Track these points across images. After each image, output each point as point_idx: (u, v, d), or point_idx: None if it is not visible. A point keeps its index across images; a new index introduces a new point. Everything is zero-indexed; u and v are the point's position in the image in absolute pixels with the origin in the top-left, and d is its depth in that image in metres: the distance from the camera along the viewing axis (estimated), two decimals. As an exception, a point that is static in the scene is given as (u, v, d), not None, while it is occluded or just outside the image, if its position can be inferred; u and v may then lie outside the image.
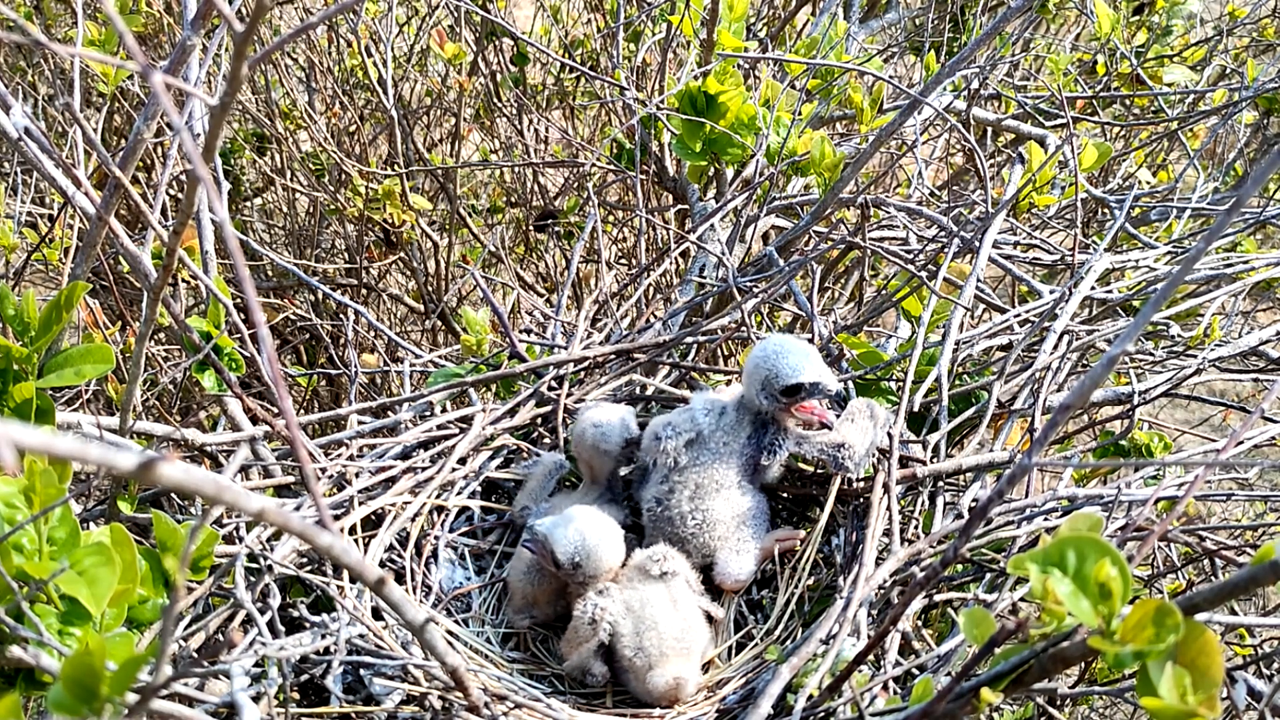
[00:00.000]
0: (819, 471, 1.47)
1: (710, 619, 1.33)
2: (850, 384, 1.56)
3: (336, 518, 1.35)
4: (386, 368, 2.16)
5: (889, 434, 1.37)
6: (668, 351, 1.65)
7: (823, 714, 1.06)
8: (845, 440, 1.37)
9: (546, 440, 1.60)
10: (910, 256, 1.69)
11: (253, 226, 3.51)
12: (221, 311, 1.31)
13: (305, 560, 1.27)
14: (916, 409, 1.46)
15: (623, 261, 3.34)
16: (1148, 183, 2.42)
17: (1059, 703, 1.24)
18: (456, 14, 2.94)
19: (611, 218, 3.22)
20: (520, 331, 1.77)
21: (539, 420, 1.60)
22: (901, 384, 1.46)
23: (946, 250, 1.64)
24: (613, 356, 1.65)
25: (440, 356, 1.81)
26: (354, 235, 3.06)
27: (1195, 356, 1.62)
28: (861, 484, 1.42)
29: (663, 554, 1.32)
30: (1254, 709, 0.88)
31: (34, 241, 2.05)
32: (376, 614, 1.22)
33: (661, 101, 1.95)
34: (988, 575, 1.25)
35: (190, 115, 1.43)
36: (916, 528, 1.38)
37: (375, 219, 2.70)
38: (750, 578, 1.39)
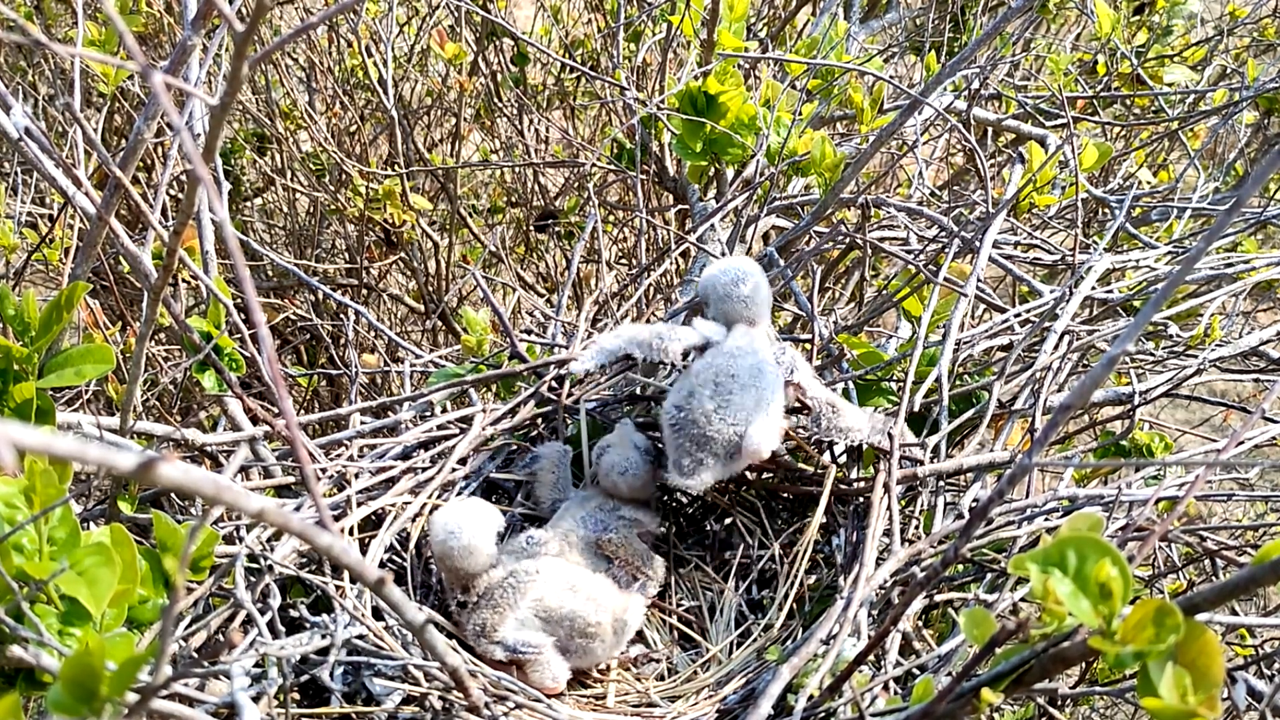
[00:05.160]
0: (819, 471, 1.47)
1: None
2: (850, 385, 1.56)
3: (336, 518, 1.35)
4: (387, 368, 2.16)
5: (889, 434, 1.37)
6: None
7: (823, 714, 1.06)
8: (837, 405, 1.38)
9: (547, 440, 1.60)
10: (911, 256, 1.69)
11: (253, 226, 3.51)
12: (221, 311, 1.31)
13: (305, 560, 1.27)
14: (917, 409, 1.46)
15: (623, 261, 3.33)
16: (1148, 183, 2.42)
17: (1059, 703, 1.24)
18: (456, 14, 2.94)
19: (612, 218, 3.22)
20: (520, 331, 1.77)
21: (539, 420, 1.60)
22: (902, 384, 1.46)
23: (947, 250, 1.64)
24: (613, 356, 1.65)
25: (440, 356, 1.81)
26: (354, 235, 3.06)
27: (1196, 356, 1.62)
28: (861, 484, 1.42)
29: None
30: (1254, 709, 0.88)
31: (34, 241, 2.05)
32: (377, 614, 1.22)
33: (661, 101, 1.95)
34: (988, 575, 1.25)
35: (190, 115, 1.43)
36: (917, 528, 1.38)
37: (375, 219, 2.70)
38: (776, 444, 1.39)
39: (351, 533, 1.35)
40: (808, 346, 1.58)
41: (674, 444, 1.38)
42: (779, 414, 1.39)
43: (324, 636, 1.12)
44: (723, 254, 1.81)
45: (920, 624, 1.31)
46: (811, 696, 1.06)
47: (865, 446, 1.44)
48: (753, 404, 1.36)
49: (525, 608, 1.28)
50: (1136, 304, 1.63)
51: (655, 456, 1.45)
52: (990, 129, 2.44)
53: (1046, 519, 1.25)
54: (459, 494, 1.49)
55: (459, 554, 1.28)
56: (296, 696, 1.15)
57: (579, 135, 3.26)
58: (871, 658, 1.15)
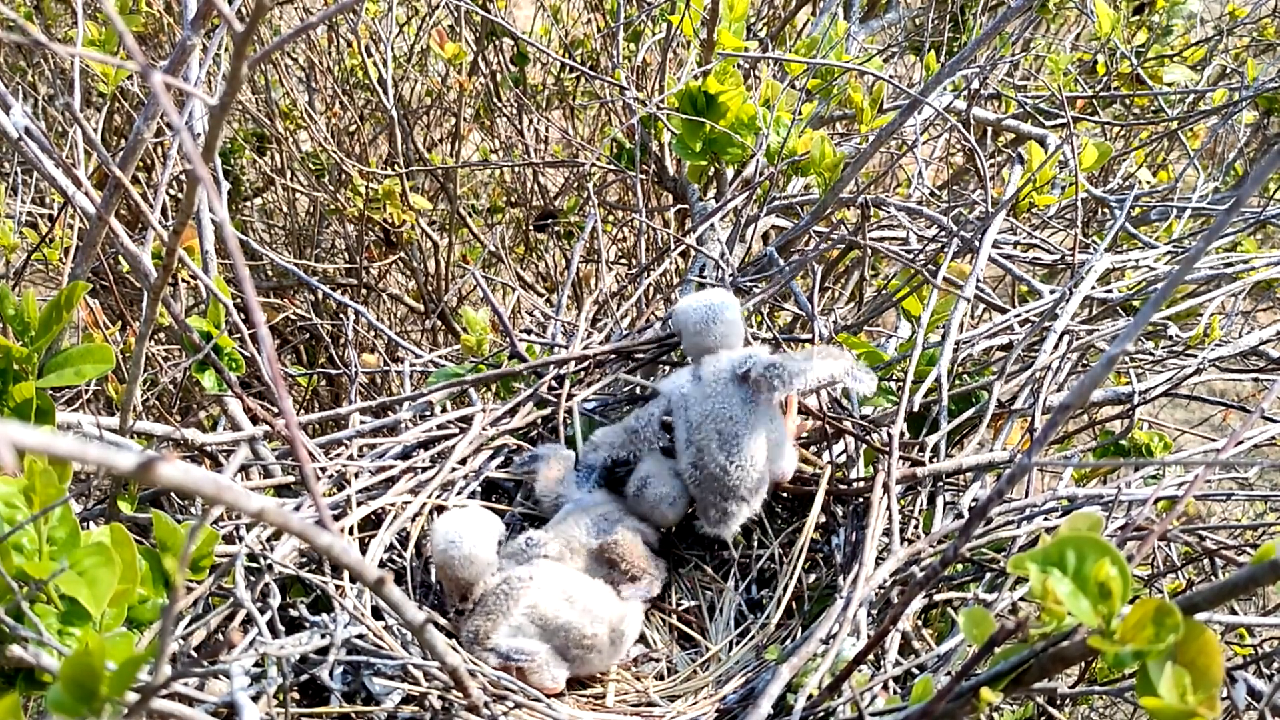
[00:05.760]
0: (817, 472, 1.47)
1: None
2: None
3: (336, 518, 1.35)
4: (386, 368, 2.16)
5: (889, 433, 1.37)
6: (668, 351, 1.65)
7: (823, 714, 1.06)
8: (778, 360, 1.39)
9: (547, 440, 1.60)
10: (910, 256, 1.69)
11: (253, 226, 3.51)
12: (221, 311, 1.31)
13: (305, 560, 1.27)
14: (916, 409, 1.46)
15: (623, 261, 3.34)
16: (1148, 182, 2.42)
17: (1059, 702, 1.24)
18: (456, 14, 2.94)
19: (611, 218, 3.22)
20: (520, 331, 1.77)
21: (539, 420, 1.60)
22: (901, 384, 1.46)
23: (946, 250, 1.64)
24: (613, 356, 1.65)
25: (440, 356, 1.81)
26: (354, 235, 3.06)
27: (1195, 356, 1.62)
28: (861, 483, 1.42)
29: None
30: (1254, 709, 0.88)
31: (34, 241, 2.05)
32: (377, 614, 1.22)
33: (661, 101, 1.95)
34: (988, 575, 1.25)
35: (190, 115, 1.43)
36: (916, 527, 1.38)
37: (375, 219, 2.70)
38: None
39: (351, 532, 1.35)
40: (808, 347, 1.58)
41: (700, 498, 1.42)
42: (783, 427, 1.41)
43: (324, 636, 1.12)
44: (722, 255, 1.80)
45: (919, 624, 1.31)
46: (811, 696, 1.06)
47: (861, 441, 1.45)
48: (761, 438, 1.39)
49: (519, 614, 1.27)
50: (1136, 304, 1.63)
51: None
52: (990, 129, 2.44)
53: (1046, 519, 1.25)
54: (459, 494, 1.49)
55: (460, 563, 1.28)
56: (296, 696, 1.15)
57: (579, 135, 3.26)
58: (871, 657, 1.15)
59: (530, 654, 1.25)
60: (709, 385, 1.40)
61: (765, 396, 1.39)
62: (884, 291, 1.82)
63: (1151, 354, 1.69)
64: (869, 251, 1.79)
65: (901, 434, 1.38)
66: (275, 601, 1.15)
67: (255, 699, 1.01)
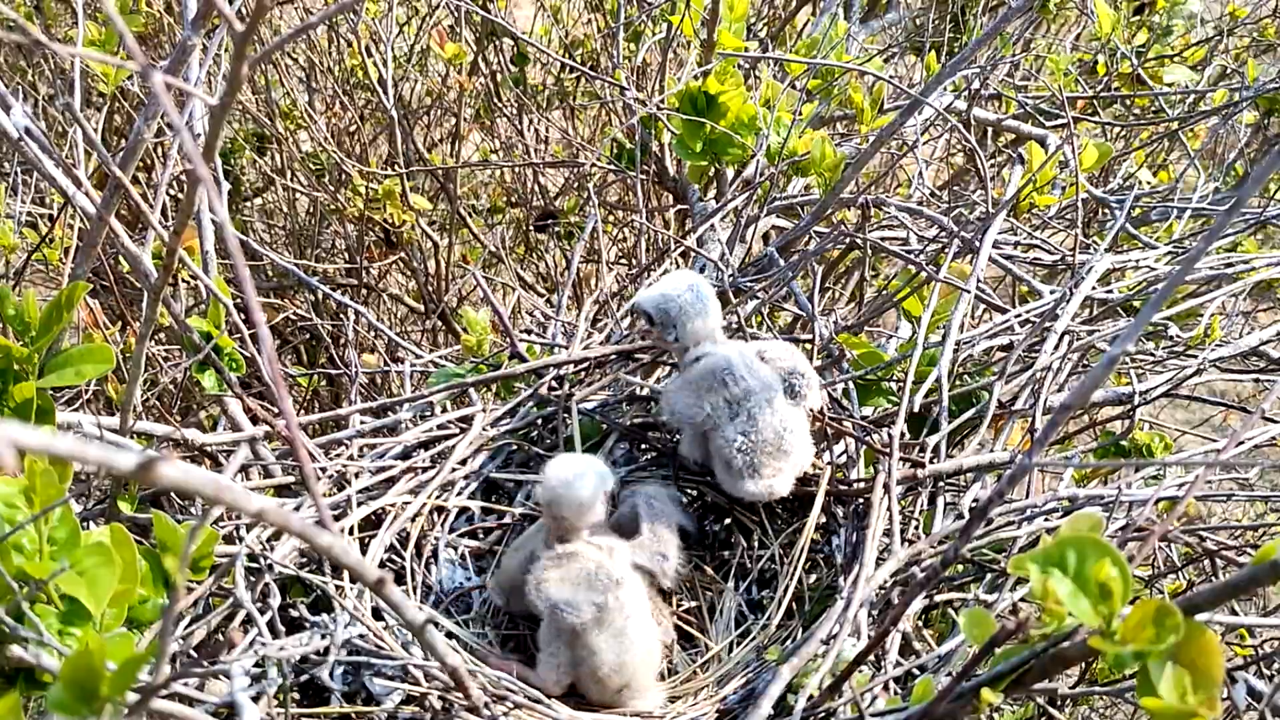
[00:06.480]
0: (817, 472, 1.47)
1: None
2: (850, 385, 1.56)
3: (336, 518, 1.35)
4: (387, 368, 2.16)
5: (889, 434, 1.37)
6: (668, 352, 1.65)
7: (823, 714, 1.06)
8: (797, 367, 1.42)
9: (547, 440, 1.60)
10: (911, 256, 1.69)
11: (253, 226, 3.51)
12: (221, 311, 1.31)
13: (305, 560, 1.27)
14: (917, 409, 1.46)
15: (623, 261, 3.33)
16: (1148, 183, 2.42)
17: (1059, 703, 1.24)
18: (456, 14, 2.94)
19: (612, 218, 3.22)
20: (521, 331, 1.77)
21: (539, 420, 1.60)
22: (902, 384, 1.46)
23: (947, 250, 1.64)
24: (613, 356, 1.65)
25: (440, 356, 1.81)
26: (354, 235, 3.06)
27: (1195, 357, 1.62)
28: (861, 484, 1.42)
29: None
30: (1254, 709, 0.88)
31: (34, 241, 2.05)
32: (377, 614, 1.22)
33: (662, 101, 1.95)
34: (988, 575, 1.25)
35: (190, 115, 1.43)
36: (917, 528, 1.38)
37: (375, 219, 2.70)
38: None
39: (351, 533, 1.35)
40: (808, 346, 1.58)
41: (748, 460, 1.41)
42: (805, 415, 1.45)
43: (324, 636, 1.12)
44: (722, 255, 1.80)
45: (920, 624, 1.31)
46: (811, 696, 1.06)
47: (861, 442, 1.45)
48: (801, 411, 1.42)
49: (603, 638, 1.24)
50: (1136, 304, 1.63)
51: (692, 536, 1.46)
52: (990, 129, 2.44)
53: (1046, 519, 1.25)
54: (459, 494, 1.49)
55: (568, 505, 1.28)
56: (296, 696, 1.15)
57: (579, 135, 3.26)
58: (871, 658, 1.15)
59: (575, 609, 1.23)
60: (748, 362, 1.42)
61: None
62: (884, 291, 1.82)
63: (1152, 354, 1.69)
64: (869, 251, 1.79)
65: (902, 434, 1.38)
66: (275, 602, 1.15)
67: (255, 699, 1.01)
